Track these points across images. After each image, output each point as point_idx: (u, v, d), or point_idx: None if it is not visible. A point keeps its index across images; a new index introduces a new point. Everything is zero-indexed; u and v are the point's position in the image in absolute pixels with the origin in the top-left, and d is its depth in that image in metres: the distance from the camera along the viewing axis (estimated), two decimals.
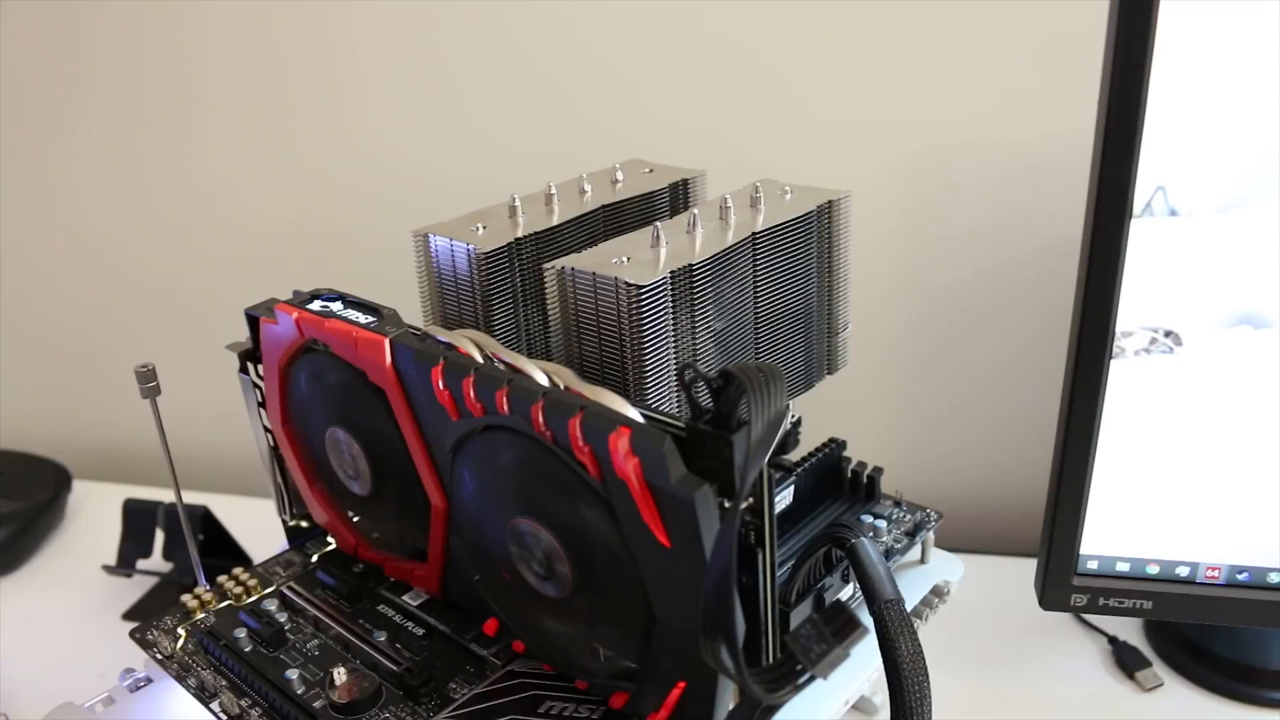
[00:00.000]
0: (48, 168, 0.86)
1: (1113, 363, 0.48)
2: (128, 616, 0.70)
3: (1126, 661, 0.62)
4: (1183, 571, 0.53)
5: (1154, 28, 0.42)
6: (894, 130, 0.71)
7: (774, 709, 0.40)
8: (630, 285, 0.43)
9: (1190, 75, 0.44)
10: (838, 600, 0.36)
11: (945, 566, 0.58)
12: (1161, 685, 0.61)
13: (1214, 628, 0.60)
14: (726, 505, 0.36)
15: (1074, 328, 0.49)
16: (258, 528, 0.71)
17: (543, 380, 0.40)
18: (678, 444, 0.36)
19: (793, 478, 0.53)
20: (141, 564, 0.73)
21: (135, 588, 0.72)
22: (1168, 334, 0.48)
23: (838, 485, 0.58)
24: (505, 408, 0.40)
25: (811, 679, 0.35)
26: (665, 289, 0.44)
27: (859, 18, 0.69)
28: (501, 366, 0.41)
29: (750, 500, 0.38)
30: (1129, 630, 0.65)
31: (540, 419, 0.38)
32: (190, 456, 0.79)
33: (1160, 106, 0.44)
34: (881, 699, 0.59)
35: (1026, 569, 0.63)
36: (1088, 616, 0.66)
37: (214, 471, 0.87)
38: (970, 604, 0.59)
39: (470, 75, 0.76)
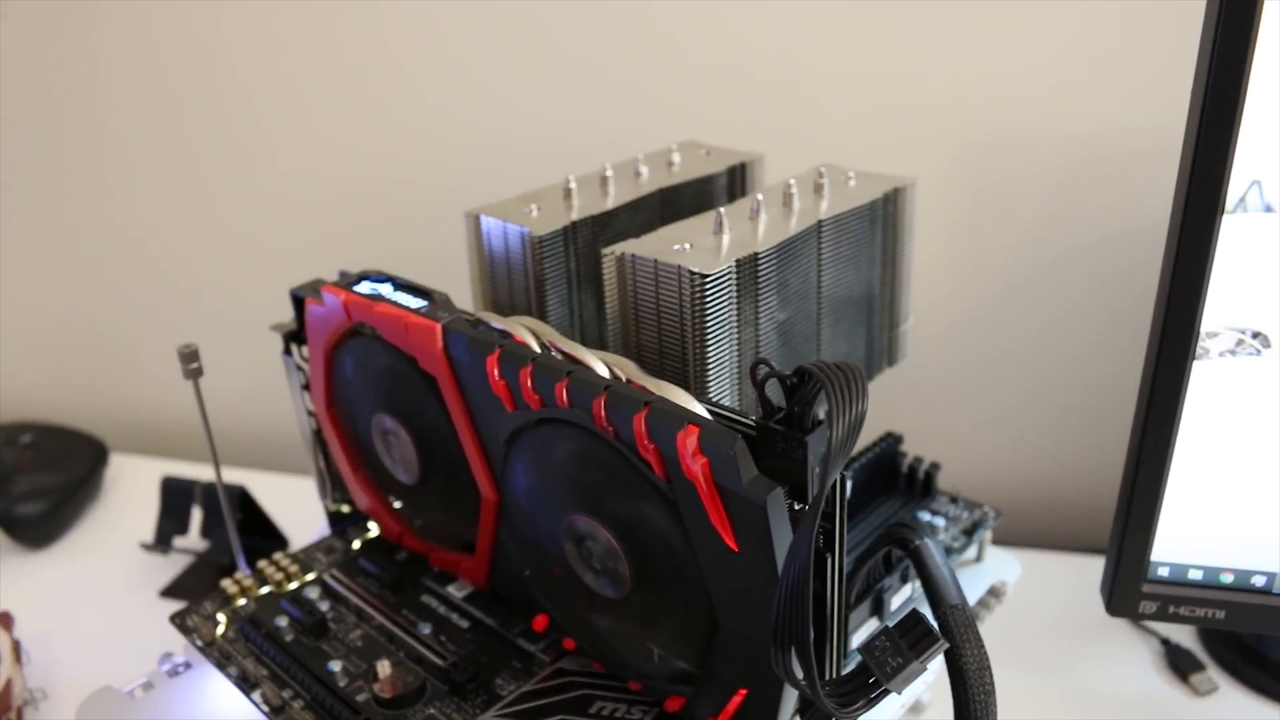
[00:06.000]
0: (89, 142, 0.85)
1: (1195, 364, 0.46)
2: (165, 594, 0.69)
3: (1180, 664, 0.61)
4: (1259, 581, 0.51)
5: (1258, 18, 0.40)
6: (957, 115, 0.69)
7: None
8: (694, 274, 0.41)
9: None
10: (914, 610, 0.34)
11: (1002, 566, 0.56)
12: (1216, 690, 0.60)
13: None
14: (797, 508, 0.35)
15: (1155, 326, 0.47)
16: (295, 506, 0.70)
17: (604, 372, 0.38)
18: (747, 443, 0.34)
19: (850, 473, 0.51)
20: (178, 542, 0.72)
21: (172, 565, 0.72)
22: (1255, 335, 0.46)
23: (894, 480, 0.56)
24: (565, 401, 0.38)
25: (885, 693, 0.34)
26: (730, 278, 0.42)
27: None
28: (560, 357, 0.40)
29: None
30: (1183, 633, 0.64)
31: (603, 414, 0.37)
32: (229, 432, 0.78)
33: (1259, 98, 0.41)
34: (929, 696, 0.58)
35: (1080, 566, 0.61)
36: None
37: (252, 447, 0.86)
38: (1022, 601, 0.58)
39: (523, 49, 0.74)
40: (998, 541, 0.57)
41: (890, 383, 0.56)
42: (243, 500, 0.69)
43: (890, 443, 0.55)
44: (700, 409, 0.36)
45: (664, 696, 0.42)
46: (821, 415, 0.34)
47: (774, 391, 0.35)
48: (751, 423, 0.35)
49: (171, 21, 0.79)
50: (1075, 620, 0.64)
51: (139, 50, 0.81)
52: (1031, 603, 0.61)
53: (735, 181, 0.55)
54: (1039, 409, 0.76)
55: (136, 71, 0.82)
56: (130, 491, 0.81)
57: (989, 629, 0.53)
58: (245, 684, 0.46)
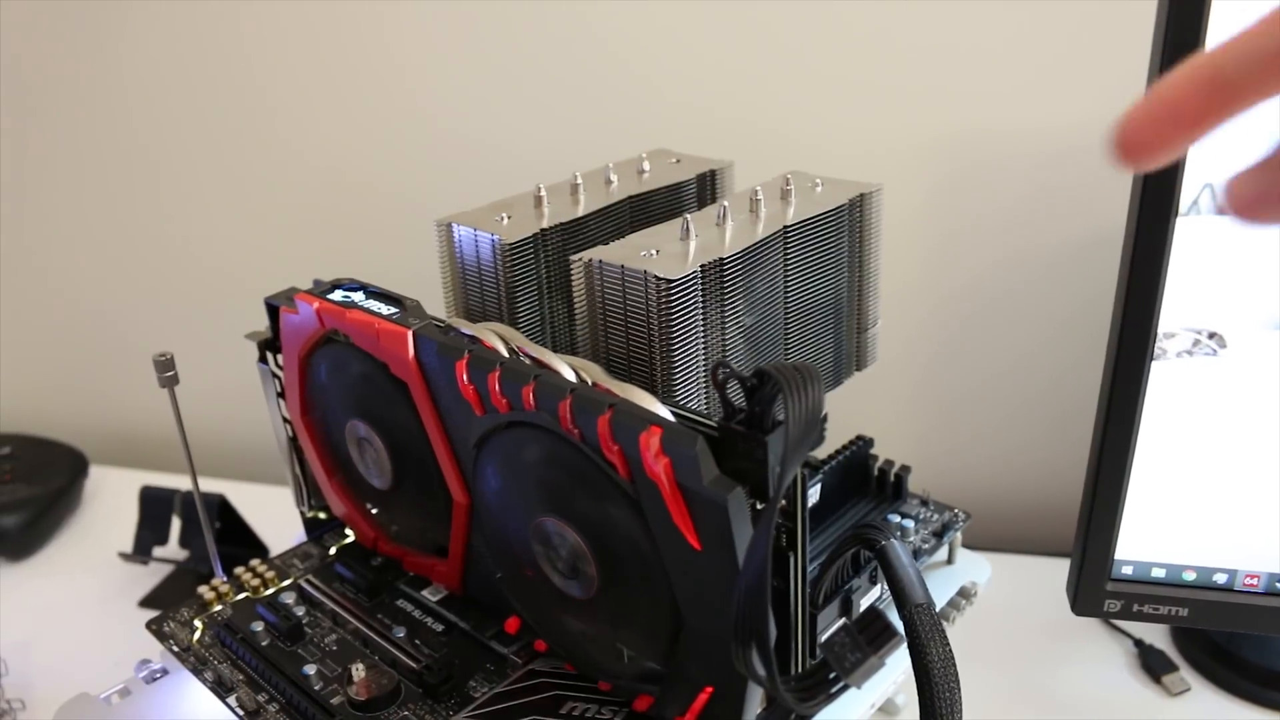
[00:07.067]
0: (68, 152, 0.86)
1: (1153, 365, 0.47)
2: (144, 604, 0.70)
3: (1153, 665, 0.61)
4: (1220, 579, 0.52)
5: (1206, 23, 0.41)
6: (922, 119, 0.70)
7: (805, 718, 0.39)
8: (660, 279, 0.42)
9: None
10: (873, 607, 0.35)
11: (972, 567, 0.57)
12: (1189, 690, 0.60)
13: (1242, 632, 0.59)
14: (759, 507, 0.36)
15: (1114, 328, 0.47)
16: (275, 516, 0.70)
17: (570, 376, 0.39)
18: (709, 444, 0.35)
19: (819, 476, 0.52)
20: (158, 551, 0.72)
21: (151, 575, 0.72)
22: (1211, 335, 0.47)
23: (864, 484, 0.57)
24: (532, 404, 0.39)
25: (845, 688, 0.34)
26: (695, 283, 0.43)
27: (887, 6, 0.68)
28: (527, 361, 0.40)
29: (783, 502, 0.37)
30: (1155, 633, 0.64)
31: (568, 417, 0.37)
32: (208, 443, 0.79)
33: None
34: (904, 699, 0.58)
35: (1052, 568, 0.62)
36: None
37: (232, 458, 0.86)
38: (995, 604, 0.58)
39: (496, 61, 0.75)
40: (971, 546, 0.58)
41: (861, 387, 0.56)
42: (222, 509, 0.69)
43: (861, 446, 0.56)
44: (664, 411, 0.36)
45: (633, 696, 0.43)
46: (781, 416, 0.35)
47: (740, 394, 0.36)
48: (714, 424, 0.36)
49: (152, 34, 0.80)
50: (1048, 622, 0.65)
51: (111, 62, 0.82)
52: (1004, 605, 0.62)
53: (705, 189, 0.55)
54: (1010, 412, 0.77)
55: (112, 82, 0.82)
56: (110, 502, 0.82)
57: (960, 630, 0.54)
58: (221, 688, 0.47)
